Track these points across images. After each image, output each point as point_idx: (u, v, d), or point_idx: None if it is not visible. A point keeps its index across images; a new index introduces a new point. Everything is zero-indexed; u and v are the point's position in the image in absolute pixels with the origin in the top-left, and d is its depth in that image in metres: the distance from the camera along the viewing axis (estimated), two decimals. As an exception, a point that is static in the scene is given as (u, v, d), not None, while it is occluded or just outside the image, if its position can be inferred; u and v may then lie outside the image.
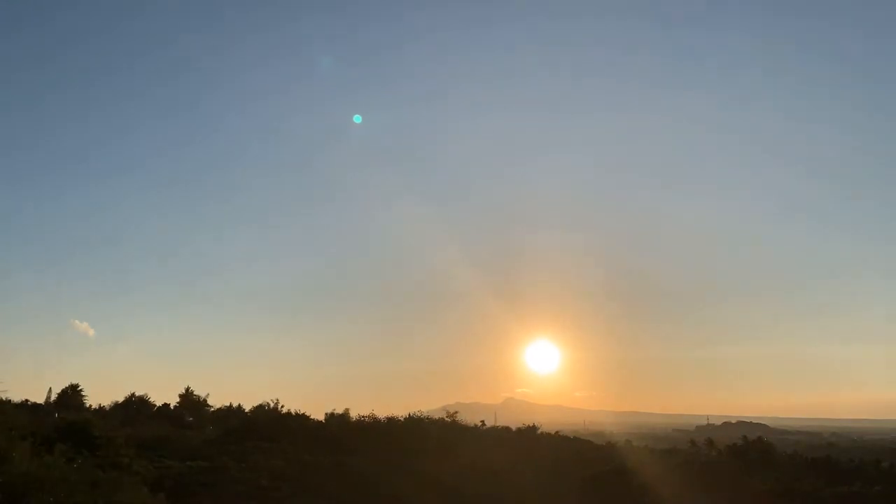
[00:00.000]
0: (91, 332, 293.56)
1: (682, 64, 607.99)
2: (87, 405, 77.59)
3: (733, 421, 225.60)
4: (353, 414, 64.60)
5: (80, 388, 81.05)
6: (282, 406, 66.28)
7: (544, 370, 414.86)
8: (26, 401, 66.88)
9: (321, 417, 62.55)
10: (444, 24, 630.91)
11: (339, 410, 64.25)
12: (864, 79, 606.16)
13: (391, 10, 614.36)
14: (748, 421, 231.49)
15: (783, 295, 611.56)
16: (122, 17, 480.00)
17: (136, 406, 74.69)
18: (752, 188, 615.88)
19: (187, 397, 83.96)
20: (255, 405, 71.17)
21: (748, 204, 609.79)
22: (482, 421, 63.94)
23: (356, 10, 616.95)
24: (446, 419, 61.74)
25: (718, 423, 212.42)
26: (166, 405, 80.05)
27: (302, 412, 62.75)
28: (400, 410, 66.76)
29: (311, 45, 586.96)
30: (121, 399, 77.03)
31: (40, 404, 71.37)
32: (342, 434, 50.50)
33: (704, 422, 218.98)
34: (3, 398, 41.62)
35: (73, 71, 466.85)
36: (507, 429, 61.89)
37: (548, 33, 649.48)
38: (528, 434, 57.65)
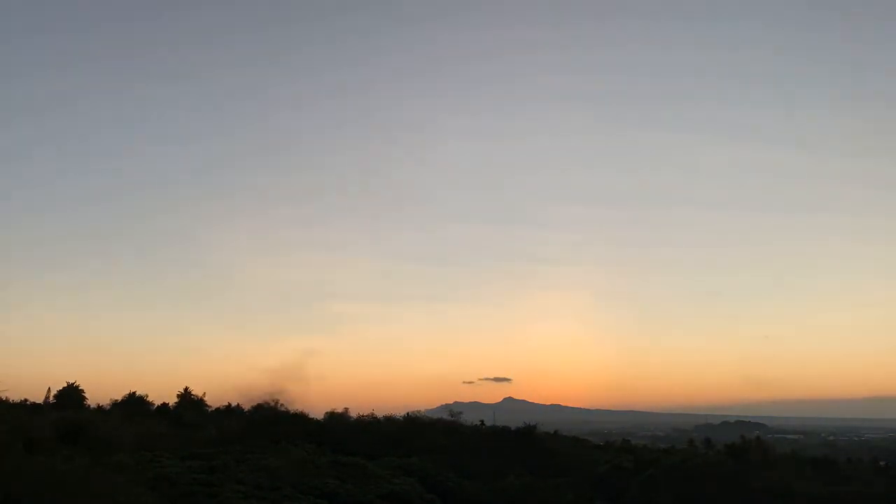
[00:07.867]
0: (92, 329, 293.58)
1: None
2: (87, 404, 77.51)
3: (732, 420, 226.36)
4: (353, 414, 64.85)
5: (79, 387, 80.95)
6: (281, 406, 66.29)
7: (543, 369, 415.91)
8: (25, 400, 66.73)
9: (321, 417, 62.69)
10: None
11: (340, 410, 64.51)
12: None
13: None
14: (747, 420, 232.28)
15: (782, 292, 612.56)
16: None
17: (135, 405, 74.57)
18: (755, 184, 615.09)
19: (185, 397, 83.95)
20: (254, 405, 71.10)
21: (752, 201, 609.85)
22: (481, 420, 64.10)
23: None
24: (445, 419, 62.01)
25: (717, 422, 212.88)
26: (165, 405, 79.97)
27: (302, 412, 62.83)
28: (399, 410, 66.95)
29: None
30: (120, 398, 76.96)
31: (39, 404, 71.20)
32: (342, 434, 50.75)
33: (703, 421, 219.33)
34: (2, 398, 41.56)
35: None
36: (506, 428, 61.90)
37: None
38: (527, 434, 57.64)
